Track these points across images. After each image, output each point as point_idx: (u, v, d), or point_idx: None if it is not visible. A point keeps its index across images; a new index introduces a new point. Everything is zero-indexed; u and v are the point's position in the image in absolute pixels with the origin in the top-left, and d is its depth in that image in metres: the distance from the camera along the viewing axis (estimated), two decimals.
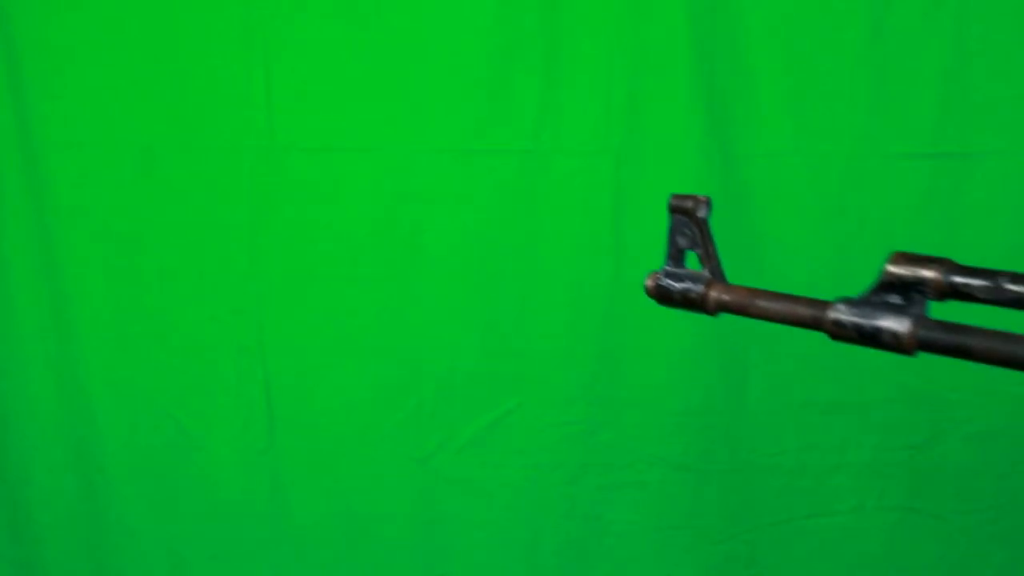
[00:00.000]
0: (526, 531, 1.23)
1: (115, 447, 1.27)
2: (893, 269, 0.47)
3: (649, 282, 0.57)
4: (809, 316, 0.50)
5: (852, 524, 1.15)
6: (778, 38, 1.05)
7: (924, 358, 0.46)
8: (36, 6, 1.15)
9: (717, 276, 0.55)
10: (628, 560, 1.22)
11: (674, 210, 0.56)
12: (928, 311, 0.46)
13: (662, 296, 0.57)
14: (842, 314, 0.48)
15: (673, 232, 0.56)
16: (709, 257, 0.55)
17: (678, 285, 0.56)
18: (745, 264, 1.00)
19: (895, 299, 0.46)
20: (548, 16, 1.08)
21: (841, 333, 0.48)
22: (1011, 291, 0.43)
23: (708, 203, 0.55)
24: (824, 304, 0.49)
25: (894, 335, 0.46)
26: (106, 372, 1.25)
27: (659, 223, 1.18)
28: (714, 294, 0.54)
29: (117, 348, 1.24)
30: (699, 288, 0.55)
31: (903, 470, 1.12)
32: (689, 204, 0.55)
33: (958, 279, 0.44)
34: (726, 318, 0.52)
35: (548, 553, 1.23)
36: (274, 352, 1.22)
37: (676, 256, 0.57)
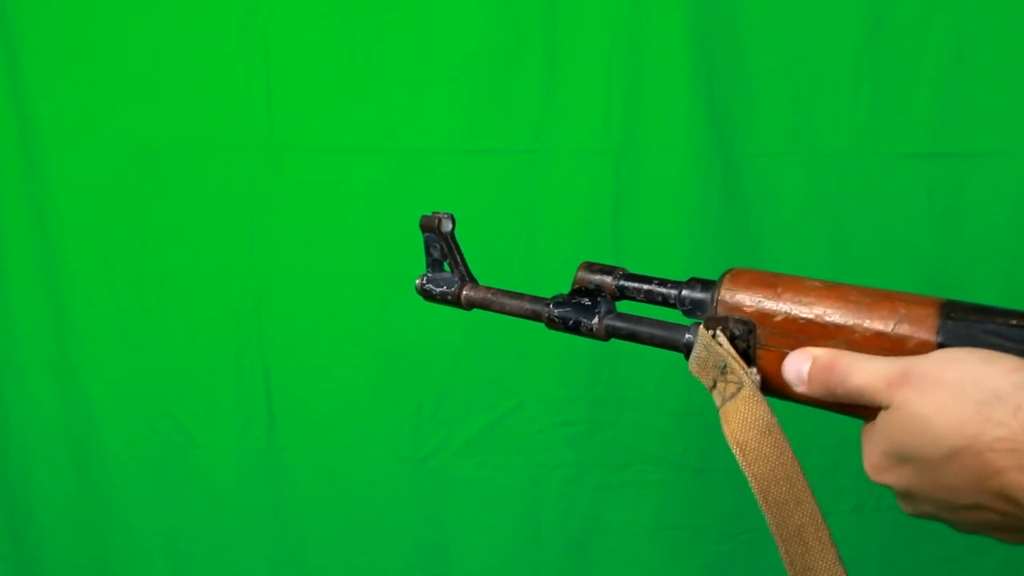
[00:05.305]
0: (526, 531, 1.23)
1: (115, 447, 1.27)
2: (580, 276, 0.60)
3: (417, 283, 0.69)
4: (531, 311, 0.62)
5: (852, 524, 1.15)
6: (778, 38, 1.05)
7: None
8: (36, 6, 1.15)
9: (466, 279, 0.67)
10: (628, 560, 1.22)
11: (424, 228, 0.66)
12: (615, 307, 0.59)
13: (427, 296, 0.69)
14: (552, 312, 0.61)
15: (427, 246, 0.67)
16: (457, 264, 0.67)
17: (437, 288, 0.68)
18: (745, 264, 1.00)
19: (586, 300, 0.59)
20: (548, 16, 1.08)
21: (553, 325, 0.61)
22: (659, 292, 0.56)
23: (451, 219, 0.65)
24: (543, 302, 0.62)
25: (588, 327, 0.59)
26: (106, 372, 1.25)
27: (659, 223, 1.18)
28: (465, 293, 0.66)
29: (117, 348, 1.24)
30: (453, 290, 0.67)
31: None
32: (435, 222, 0.65)
33: (624, 283, 0.58)
34: None
35: (548, 553, 1.23)
36: (274, 352, 1.22)
37: (434, 264, 0.68)
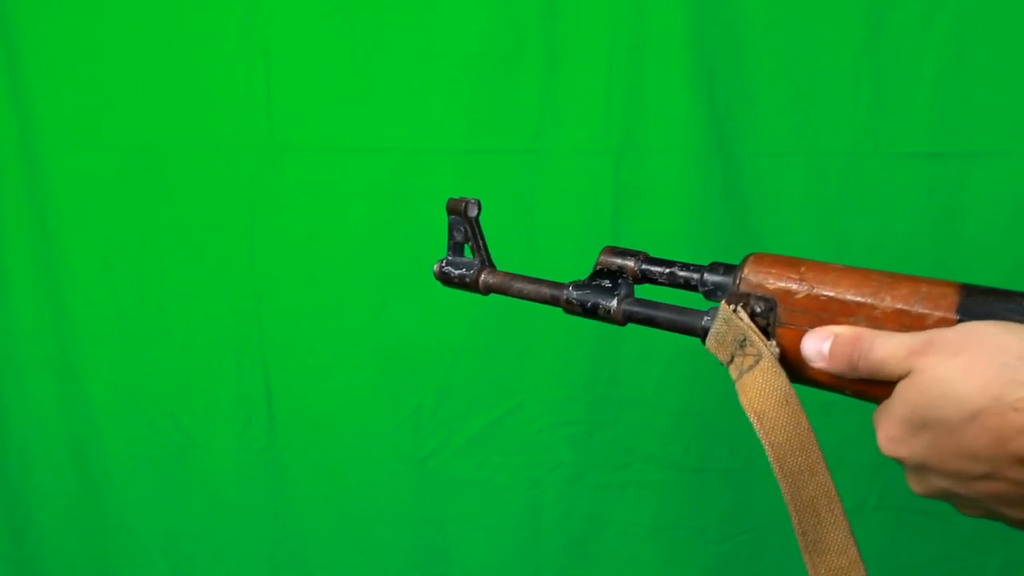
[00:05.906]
0: (526, 531, 1.23)
1: (115, 447, 1.27)
2: (602, 259, 0.60)
3: (436, 267, 0.68)
4: (549, 295, 0.62)
5: (852, 523, 1.15)
6: (778, 38, 1.05)
7: None
8: (36, 6, 1.15)
9: (486, 263, 0.66)
10: (628, 560, 1.22)
11: (450, 211, 0.66)
12: (633, 292, 0.60)
13: (444, 279, 0.68)
14: (570, 294, 0.60)
15: (451, 229, 0.67)
16: (479, 248, 0.66)
17: (456, 271, 0.67)
18: None
19: (607, 283, 0.59)
20: (548, 16, 1.08)
21: (571, 308, 0.60)
22: (681, 275, 0.57)
23: (478, 204, 0.65)
24: (561, 286, 0.61)
25: (606, 309, 0.58)
26: (106, 372, 1.25)
27: (659, 223, 1.18)
28: (483, 277, 0.66)
29: (117, 348, 1.24)
30: (472, 273, 0.66)
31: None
32: (461, 206, 0.65)
33: (646, 267, 0.58)
34: None
35: (548, 553, 1.23)
36: (274, 352, 1.22)
37: (455, 248, 0.67)
